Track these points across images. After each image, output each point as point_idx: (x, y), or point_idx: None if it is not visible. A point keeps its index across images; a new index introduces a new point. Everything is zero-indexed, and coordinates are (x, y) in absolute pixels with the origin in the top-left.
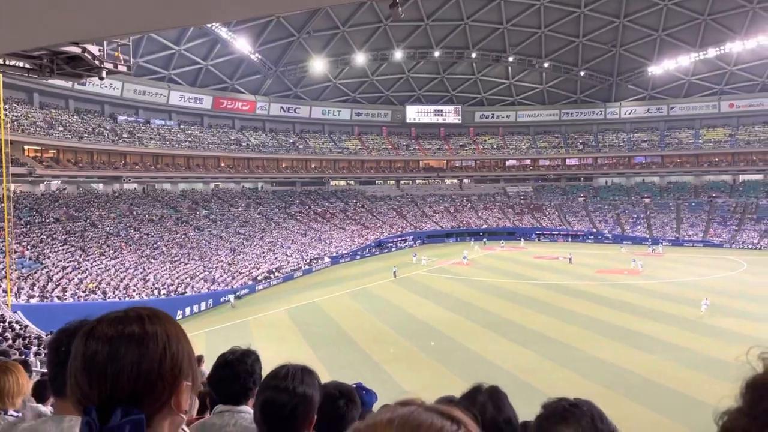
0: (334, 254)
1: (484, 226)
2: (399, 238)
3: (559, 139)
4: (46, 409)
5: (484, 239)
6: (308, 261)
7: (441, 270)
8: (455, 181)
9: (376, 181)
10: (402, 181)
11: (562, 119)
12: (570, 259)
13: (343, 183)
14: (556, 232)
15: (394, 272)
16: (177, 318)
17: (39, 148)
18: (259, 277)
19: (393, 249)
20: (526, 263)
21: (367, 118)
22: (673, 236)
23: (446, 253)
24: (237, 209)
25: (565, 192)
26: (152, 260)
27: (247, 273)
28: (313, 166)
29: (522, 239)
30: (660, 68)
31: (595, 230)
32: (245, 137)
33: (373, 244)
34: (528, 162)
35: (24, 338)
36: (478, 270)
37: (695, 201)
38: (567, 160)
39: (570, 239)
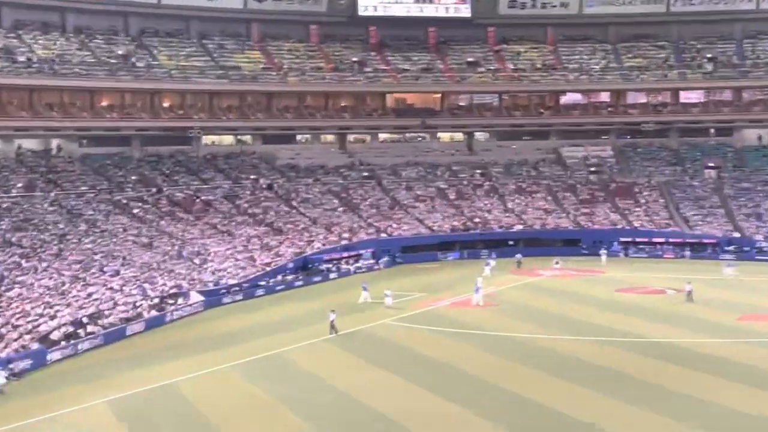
0: (212, 286)
1: (517, 228)
2: (345, 254)
3: (667, 51)
4: None
5: (519, 255)
6: (156, 301)
7: (425, 317)
8: (459, 136)
9: (298, 137)
10: (351, 137)
11: (671, 11)
12: (689, 293)
13: (229, 140)
14: (662, 240)
15: (332, 322)
16: None
17: None
18: (55, 336)
19: (333, 275)
20: (600, 302)
21: (279, 7)
22: None
23: (436, 283)
24: (6, 194)
25: (679, 158)
26: None
27: (29, 327)
28: (166, 104)
29: (604, 253)
30: None
31: (736, 235)
32: (22, 44)
33: (291, 266)
34: (604, 98)
35: None
36: (503, 315)
37: None
38: (682, 95)
39: (689, 252)
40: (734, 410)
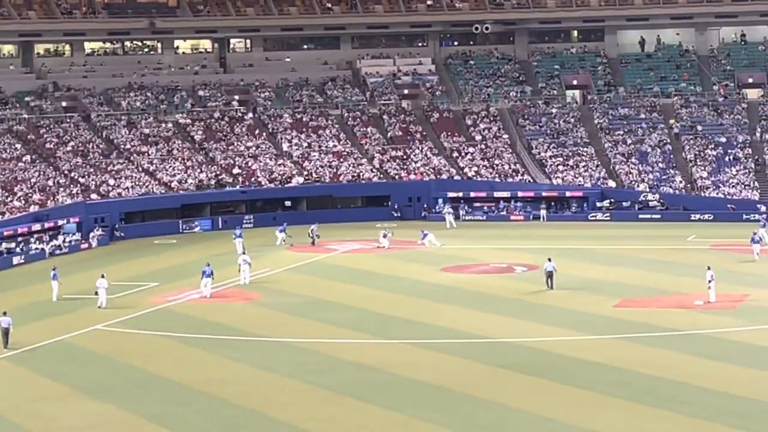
0: None
1: (297, 182)
2: (36, 226)
3: None
4: None
5: (314, 227)
6: None
7: (159, 318)
8: (206, 44)
9: None
10: (41, 48)
11: None
12: (549, 273)
13: None
14: (507, 194)
15: (5, 330)
16: None
17: None
18: None
19: (17, 259)
20: (420, 287)
21: None
22: None
23: (177, 266)
24: None
25: (529, 74)
26: None
27: None
28: None
29: (449, 213)
30: None
31: (611, 185)
32: None
33: None
34: None
35: None
36: (277, 311)
37: None
38: None
39: (546, 211)
40: None
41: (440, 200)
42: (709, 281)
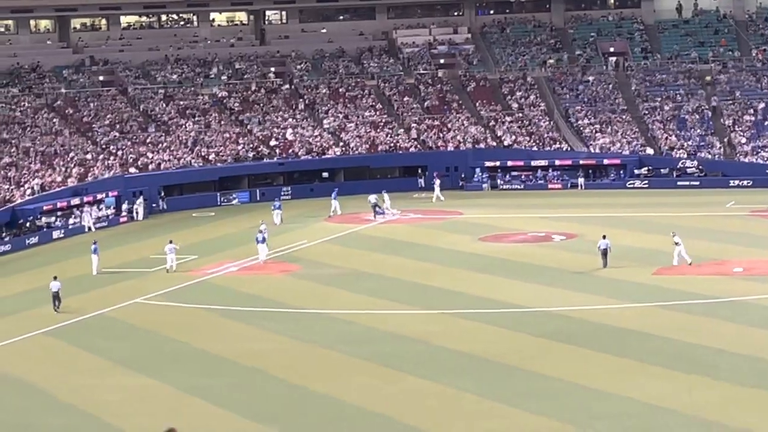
0: None
1: (334, 153)
2: (76, 200)
3: None
4: None
5: (373, 198)
6: None
7: (199, 290)
8: (242, 17)
9: None
10: (78, 23)
11: None
12: (604, 251)
13: None
14: (544, 163)
15: (56, 294)
16: None
17: None
18: None
19: (57, 234)
20: (458, 258)
21: None
22: None
23: (216, 238)
24: None
25: (566, 42)
26: None
27: None
28: None
29: (437, 184)
30: None
31: (649, 152)
32: None
33: None
34: None
35: None
36: (316, 283)
37: None
38: None
39: (584, 179)
40: (650, 405)
41: (477, 169)
42: (676, 245)
